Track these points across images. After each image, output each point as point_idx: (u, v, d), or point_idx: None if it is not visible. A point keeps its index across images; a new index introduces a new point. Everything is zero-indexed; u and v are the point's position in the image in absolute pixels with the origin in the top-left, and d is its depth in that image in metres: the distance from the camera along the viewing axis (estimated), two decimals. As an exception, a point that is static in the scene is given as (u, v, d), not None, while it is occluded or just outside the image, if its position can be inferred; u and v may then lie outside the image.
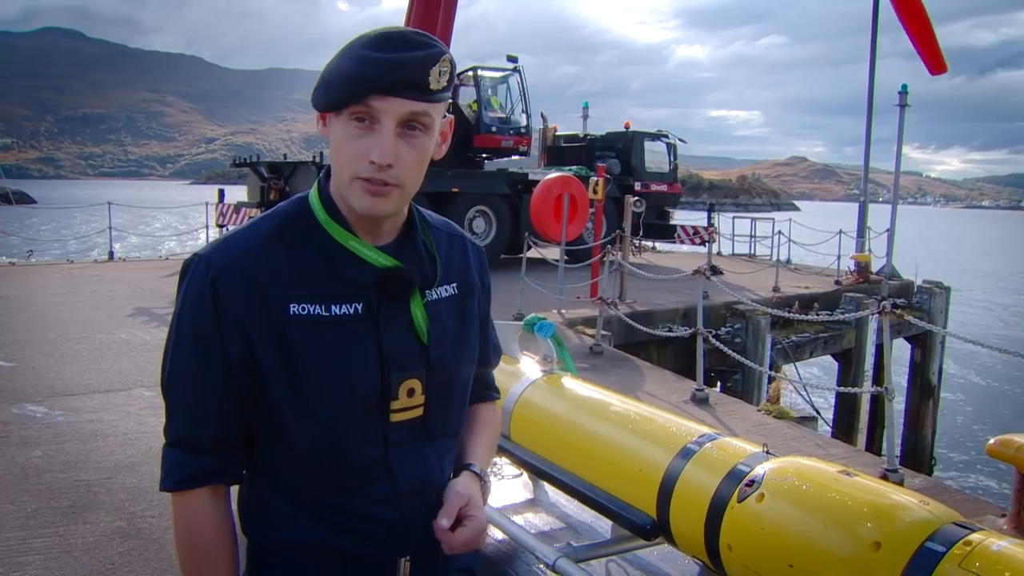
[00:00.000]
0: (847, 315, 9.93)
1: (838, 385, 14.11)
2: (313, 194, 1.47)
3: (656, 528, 2.22)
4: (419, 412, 1.51)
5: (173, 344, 1.42)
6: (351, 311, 1.42)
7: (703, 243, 18.17)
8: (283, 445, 1.45)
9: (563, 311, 11.04)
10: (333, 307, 1.41)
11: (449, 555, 1.54)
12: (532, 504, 3.31)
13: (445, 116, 1.45)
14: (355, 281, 1.43)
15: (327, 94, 1.36)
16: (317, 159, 15.66)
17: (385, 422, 1.47)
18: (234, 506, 1.52)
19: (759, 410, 7.26)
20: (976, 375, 24.23)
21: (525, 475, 3.46)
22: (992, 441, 4.31)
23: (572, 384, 2.83)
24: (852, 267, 17.32)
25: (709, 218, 18.74)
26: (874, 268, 17.44)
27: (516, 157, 19.17)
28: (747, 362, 8.27)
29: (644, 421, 2.44)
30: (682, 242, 19.72)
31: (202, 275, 1.38)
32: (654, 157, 20.40)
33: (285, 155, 19.11)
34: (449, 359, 1.55)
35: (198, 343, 1.39)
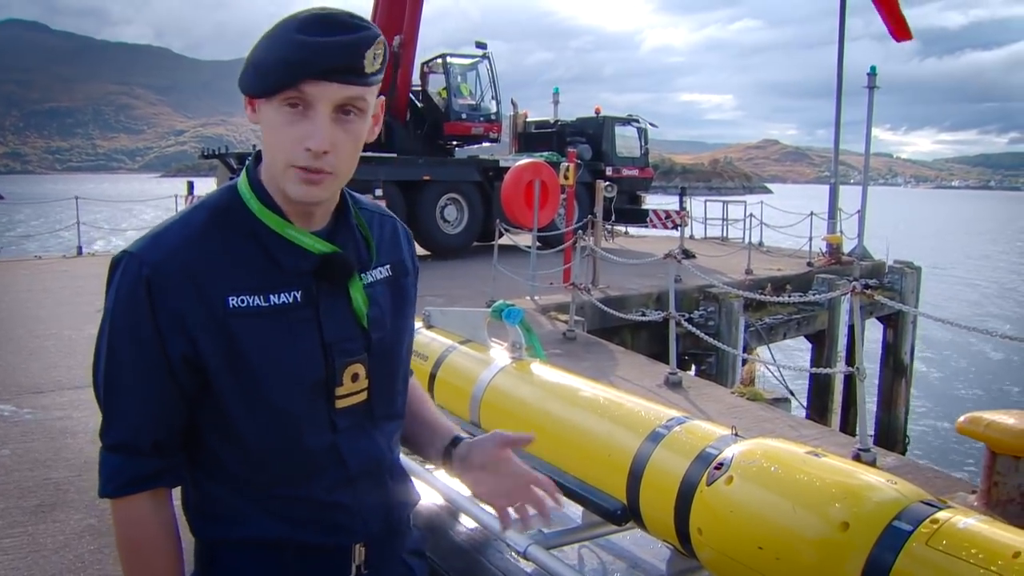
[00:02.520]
0: (819, 296, 9.97)
1: (812, 366, 14.21)
2: (243, 183, 1.43)
3: (626, 513, 2.21)
4: (364, 396, 1.50)
5: (107, 346, 1.37)
6: (290, 299, 1.40)
7: (675, 227, 18.19)
8: (233, 441, 1.42)
9: (536, 297, 11.04)
10: (272, 297, 1.38)
11: (401, 538, 1.62)
12: (505, 491, 3.31)
13: (378, 98, 1.43)
14: (294, 269, 1.40)
15: (258, 79, 1.32)
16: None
17: (331, 408, 1.46)
18: (177, 507, 1.49)
19: (733, 393, 7.29)
20: (948, 354, 24.48)
21: (497, 462, 3.45)
22: (962, 419, 4.34)
23: (541, 370, 2.82)
24: (824, 249, 17.42)
25: (681, 202, 18.78)
26: (846, 249, 17.55)
27: (487, 144, 19.15)
28: (720, 345, 8.31)
29: (613, 406, 2.43)
30: (654, 226, 19.71)
31: (134, 273, 1.33)
32: (625, 142, 20.43)
33: (255, 145, 18.98)
34: (389, 342, 1.55)
35: (136, 344, 1.34)
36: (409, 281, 1.63)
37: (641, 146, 20.84)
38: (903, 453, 13.39)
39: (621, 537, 2.72)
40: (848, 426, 14.00)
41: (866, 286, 5.77)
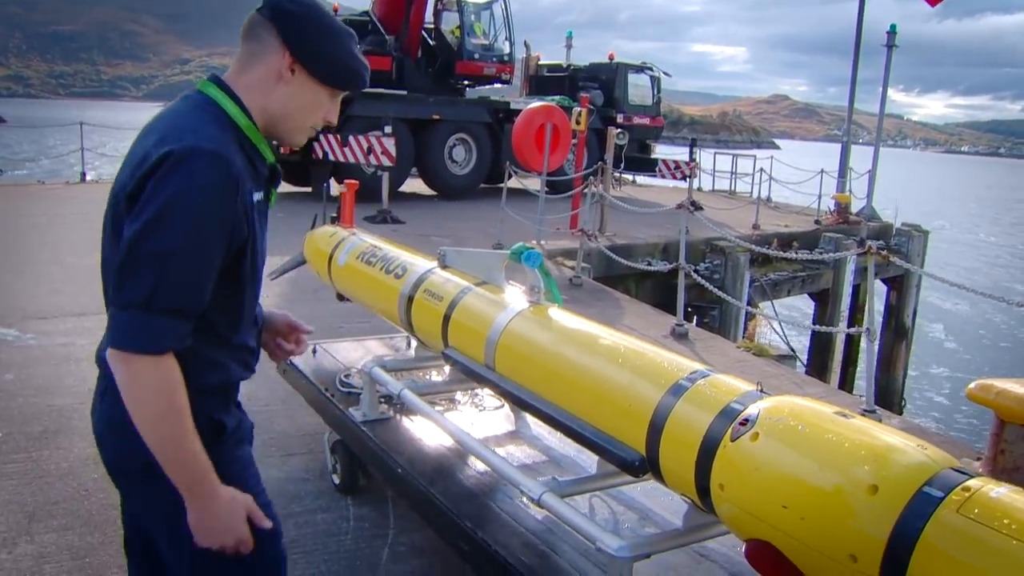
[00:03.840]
0: (827, 255, 9.91)
1: (815, 324, 14.20)
2: (226, 102, 1.76)
3: (645, 465, 2.18)
4: None
5: (193, 220, 1.60)
6: (261, 196, 1.81)
7: (684, 178, 18.05)
8: (232, 308, 1.80)
9: (543, 242, 10.95)
10: (255, 194, 1.77)
11: None
12: (513, 436, 3.28)
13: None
14: (263, 173, 1.83)
15: (341, 81, 1.85)
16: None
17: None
18: None
19: (738, 347, 7.26)
20: (949, 319, 24.49)
21: (507, 406, 3.42)
22: (972, 385, 4.31)
23: (559, 315, 2.77)
24: (832, 207, 17.30)
25: (691, 153, 18.58)
26: (854, 209, 17.42)
27: (498, 85, 18.89)
28: (727, 298, 8.26)
29: (634, 356, 2.39)
30: (663, 176, 19.52)
31: (226, 169, 1.64)
32: (637, 90, 20.15)
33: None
34: None
35: (223, 226, 1.65)
36: None
37: (653, 95, 20.56)
38: (899, 415, 13.44)
39: (633, 488, 2.70)
40: (846, 384, 14.04)
41: (879, 246, 5.72)
